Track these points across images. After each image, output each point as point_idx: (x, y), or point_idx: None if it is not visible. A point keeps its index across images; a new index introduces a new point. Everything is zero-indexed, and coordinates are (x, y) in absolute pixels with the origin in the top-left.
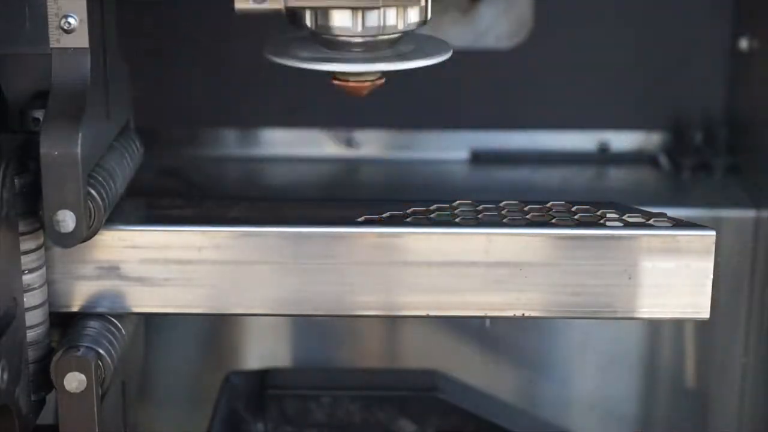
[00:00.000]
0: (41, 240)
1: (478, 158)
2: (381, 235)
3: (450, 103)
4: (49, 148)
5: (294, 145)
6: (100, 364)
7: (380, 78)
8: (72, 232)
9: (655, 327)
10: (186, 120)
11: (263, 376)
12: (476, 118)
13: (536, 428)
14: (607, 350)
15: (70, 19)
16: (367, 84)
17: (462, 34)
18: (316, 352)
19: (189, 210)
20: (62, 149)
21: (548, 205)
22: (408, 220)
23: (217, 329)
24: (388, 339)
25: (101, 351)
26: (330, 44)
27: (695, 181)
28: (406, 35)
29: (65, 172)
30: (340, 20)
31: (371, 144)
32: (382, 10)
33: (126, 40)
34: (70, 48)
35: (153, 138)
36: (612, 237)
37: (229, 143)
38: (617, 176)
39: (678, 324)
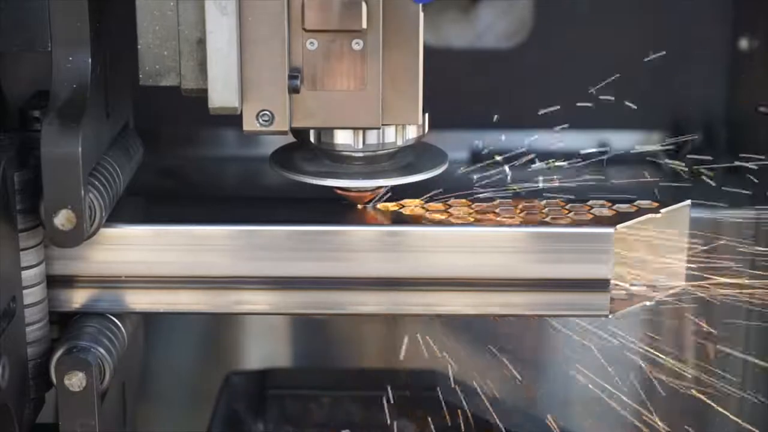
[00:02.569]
0: (40, 237)
1: (479, 158)
2: (382, 233)
3: (450, 103)
4: (50, 148)
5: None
6: (101, 363)
7: (380, 188)
8: (72, 232)
9: (655, 327)
10: (186, 120)
11: (263, 376)
12: (476, 118)
13: (536, 428)
14: (607, 350)
15: None
16: (367, 194)
17: (462, 34)
18: (316, 352)
19: (189, 209)
20: (62, 149)
21: (543, 203)
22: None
23: (217, 329)
24: (388, 339)
25: (101, 350)
26: (332, 158)
27: (695, 181)
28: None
29: (65, 171)
30: (343, 138)
31: None
32: (381, 128)
33: (126, 40)
34: (71, 48)
35: (153, 138)
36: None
37: (229, 143)
38: (617, 176)
39: (678, 324)
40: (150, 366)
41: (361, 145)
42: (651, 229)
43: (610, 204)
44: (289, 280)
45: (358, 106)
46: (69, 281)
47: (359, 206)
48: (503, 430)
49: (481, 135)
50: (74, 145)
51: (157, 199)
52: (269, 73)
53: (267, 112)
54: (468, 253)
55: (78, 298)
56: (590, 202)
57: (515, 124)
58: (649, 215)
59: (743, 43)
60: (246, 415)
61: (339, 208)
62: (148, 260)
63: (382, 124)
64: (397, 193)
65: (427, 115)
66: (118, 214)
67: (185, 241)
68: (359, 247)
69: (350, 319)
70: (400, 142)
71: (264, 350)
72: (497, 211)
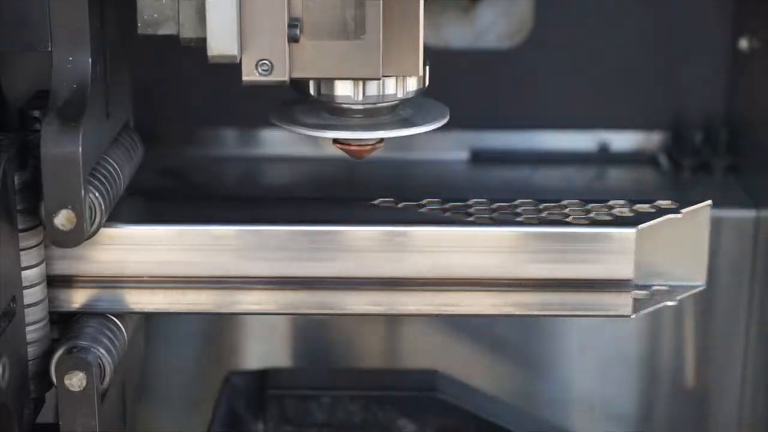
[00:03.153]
0: (40, 237)
1: (478, 158)
2: (382, 233)
3: (450, 103)
4: (50, 148)
5: (294, 145)
6: (101, 363)
7: (380, 141)
8: (72, 232)
9: (655, 327)
10: (186, 120)
11: (263, 376)
12: (476, 118)
13: (536, 428)
14: (607, 350)
15: None
16: (367, 148)
17: (462, 34)
18: (316, 352)
19: (189, 209)
20: (63, 149)
21: (564, 202)
22: (423, 210)
23: (217, 329)
24: (388, 339)
25: (102, 350)
26: (332, 110)
27: (695, 181)
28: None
29: (66, 171)
30: (342, 89)
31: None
32: (381, 79)
33: (126, 39)
34: (71, 48)
35: (153, 138)
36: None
37: (229, 143)
38: (617, 176)
39: (678, 324)
40: (150, 366)
41: (361, 98)
42: (671, 229)
43: (630, 204)
44: (289, 280)
45: (358, 57)
46: (69, 281)
47: (359, 159)
48: (503, 430)
49: (482, 135)
50: (74, 145)
51: (157, 199)
52: (269, 22)
53: (266, 62)
54: (489, 253)
55: (78, 298)
56: (611, 202)
57: (515, 124)
58: (670, 215)
59: (743, 43)
60: (246, 415)
61: (338, 208)
62: (148, 260)
63: (383, 75)
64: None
65: (427, 67)
66: (118, 214)
67: (185, 241)
68: (360, 246)
69: (350, 319)
70: (400, 95)
71: (264, 350)
72: (518, 211)
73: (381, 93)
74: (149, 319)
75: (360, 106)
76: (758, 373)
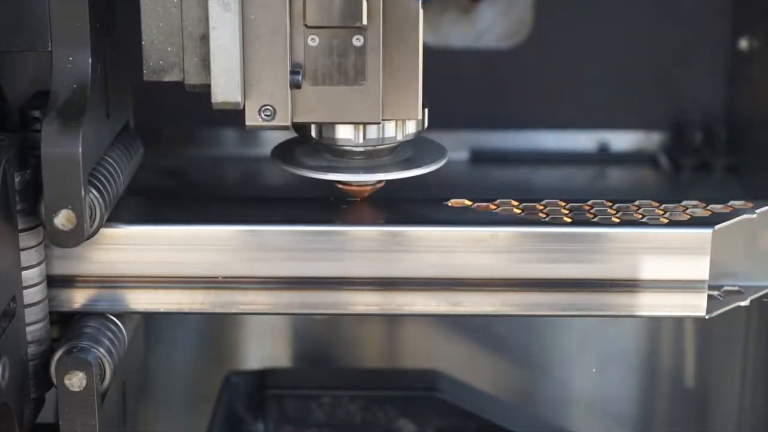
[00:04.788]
0: (41, 237)
1: (478, 158)
2: (383, 233)
3: (450, 103)
4: (50, 148)
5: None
6: (101, 362)
7: (379, 182)
8: (72, 232)
9: (655, 327)
10: (186, 120)
11: (263, 376)
12: (476, 118)
13: (536, 428)
14: (607, 350)
15: None
16: (368, 188)
17: (462, 34)
18: (316, 352)
19: (189, 209)
20: (63, 149)
21: (589, 203)
22: (496, 211)
23: (217, 329)
24: (388, 339)
25: (102, 350)
26: (333, 152)
27: (695, 181)
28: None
29: (66, 171)
30: (343, 133)
31: None
32: (381, 123)
33: (126, 39)
34: (71, 48)
35: (153, 138)
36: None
37: (229, 143)
38: (617, 176)
39: (678, 324)
40: (150, 366)
41: (361, 140)
42: (745, 229)
43: (704, 204)
44: (289, 280)
45: (358, 102)
46: (69, 281)
47: (359, 199)
48: (503, 430)
49: (482, 135)
50: (74, 145)
51: (157, 199)
52: (271, 69)
53: (269, 107)
54: (565, 252)
55: (78, 298)
56: (684, 203)
57: (515, 125)
58: (745, 216)
59: (743, 43)
60: (246, 415)
61: (339, 208)
62: (148, 260)
63: (383, 120)
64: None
65: (426, 110)
66: (118, 214)
67: (185, 241)
68: (360, 246)
69: (350, 319)
70: (399, 137)
71: (264, 350)
72: (546, 211)
73: (381, 136)
74: (149, 319)
75: (361, 149)
76: (758, 373)
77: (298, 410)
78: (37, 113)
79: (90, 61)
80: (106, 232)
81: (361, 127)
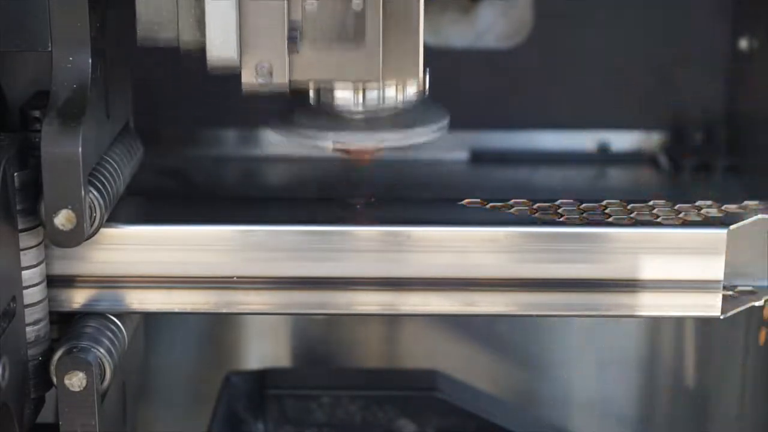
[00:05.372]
0: (41, 237)
1: (478, 158)
2: (383, 233)
3: (450, 103)
4: (50, 148)
5: (294, 145)
6: (101, 362)
7: (380, 148)
8: (72, 231)
9: (655, 327)
10: (186, 120)
11: (263, 376)
12: (476, 118)
13: (536, 428)
14: (608, 350)
15: None
16: (367, 153)
17: (462, 34)
18: (316, 352)
19: (189, 209)
20: (63, 149)
21: (604, 203)
22: (510, 211)
23: (217, 329)
24: (388, 339)
25: (102, 350)
26: (332, 117)
27: (695, 181)
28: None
29: (66, 172)
30: (342, 95)
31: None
32: (381, 87)
33: (126, 39)
34: (71, 48)
35: (153, 138)
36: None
37: (229, 143)
38: (617, 176)
39: (678, 324)
40: (150, 366)
41: (360, 103)
42: (759, 229)
43: (718, 204)
44: (289, 280)
45: (357, 61)
46: (69, 281)
47: (360, 164)
48: (503, 430)
49: (482, 135)
50: (74, 145)
51: (157, 199)
52: (268, 28)
53: (266, 65)
54: (579, 253)
55: (78, 298)
56: (698, 203)
57: (515, 125)
58: (760, 216)
59: (743, 43)
60: (246, 415)
61: (340, 209)
62: (148, 260)
63: (383, 80)
64: None
65: (427, 72)
66: (118, 214)
67: (185, 242)
68: (361, 246)
69: (350, 319)
70: (400, 100)
71: (264, 350)
72: (560, 211)
73: (381, 99)
74: (149, 319)
75: (360, 112)
76: (758, 373)
77: (298, 410)
78: (37, 113)
79: (90, 61)
80: (106, 232)
81: (360, 90)
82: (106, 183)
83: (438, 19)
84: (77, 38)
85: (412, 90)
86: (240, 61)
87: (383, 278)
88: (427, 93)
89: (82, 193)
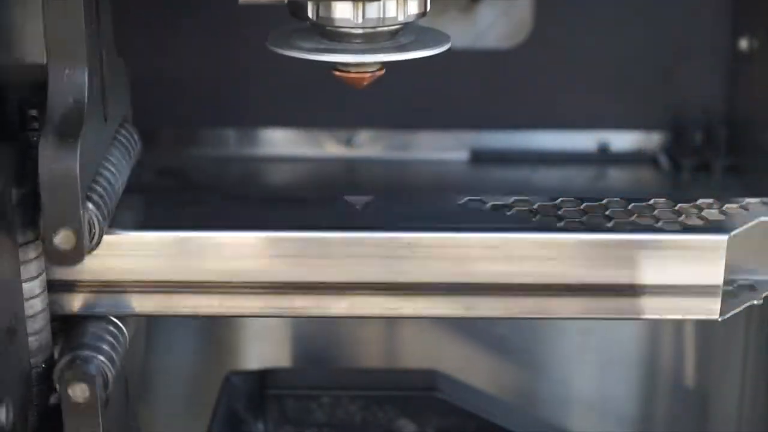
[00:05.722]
0: (40, 249)
1: (478, 158)
2: (383, 237)
3: (450, 103)
4: (48, 167)
5: (294, 145)
6: (104, 371)
7: (380, 69)
8: (72, 250)
9: (655, 327)
10: (186, 120)
11: (263, 376)
12: (476, 118)
13: (536, 428)
14: (607, 350)
15: None
16: (367, 75)
17: (462, 34)
18: (316, 352)
19: (189, 214)
20: (61, 168)
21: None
22: (510, 213)
23: (217, 329)
24: (388, 339)
25: (104, 358)
26: (331, 35)
27: (695, 181)
28: (407, 27)
29: (64, 191)
30: (341, 12)
31: (371, 144)
32: (382, 2)
33: (125, 40)
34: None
35: (153, 138)
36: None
37: (229, 143)
38: (617, 176)
39: (678, 324)
40: (150, 366)
41: (360, 20)
42: (761, 231)
43: (720, 204)
44: (288, 285)
45: None
46: (70, 286)
47: (359, 86)
48: (503, 430)
49: (482, 135)
50: (72, 165)
51: (157, 203)
52: None
53: None
54: (582, 259)
55: (79, 303)
56: (699, 202)
57: (515, 124)
58: (761, 219)
59: (743, 43)
60: (246, 415)
61: (340, 209)
62: (148, 260)
63: None
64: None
65: None
66: (119, 219)
67: (185, 243)
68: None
69: (350, 319)
70: (401, 17)
71: (264, 350)
72: (608, 213)
73: (381, 16)
74: (149, 319)
75: (360, 30)
76: (758, 373)
77: (298, 410)
78: (35, 112)
79: (86, 73)
80: (107, 238)
81: (360, 6)
82: (104, 195)
83: (438, 19)
84: (73, 51)
85: (413, 8)
86: None
87: (383, 283)
88: (428, 10)
89: (81, 212)
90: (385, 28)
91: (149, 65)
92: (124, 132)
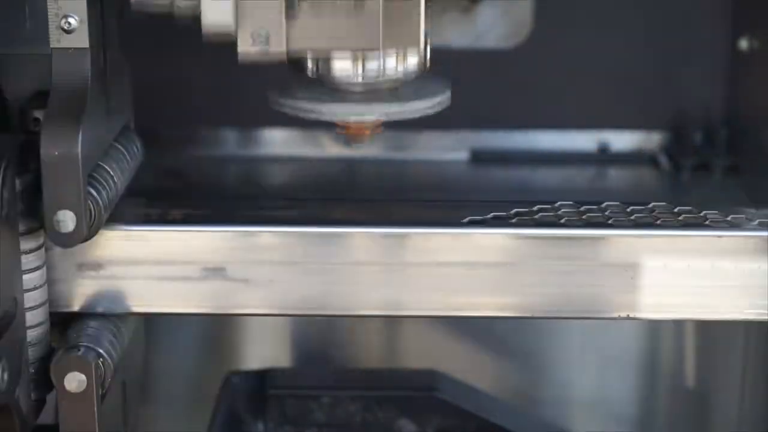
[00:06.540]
0: (41, 240)
1: (478, 158)
2: (385, 235)
3: (450, 103)
4: (50, 149)
5: (294, 145)
6: (101, 364)
7: (379, 125)
8: (72, 232)
9: (655, 327)
10: (186, 120)
11: (263, 376)
12: (476, 118)
13: (536, 428)
14: (607, 350)
15: (71, 20)
16: (367, 129)
17: (462, 34)
18: (316, 352)
19: (189, 209)
20: (62, 150)
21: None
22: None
23: (217, 329)
24: (388, 339)
25: (101, 351)
26: (332, 92)
27: (695, 181)
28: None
29: (65, 172)
30: (341, 66)
31: (371, 144)
32: (381, 57)
33: (127, 39)
34: (71, 48)
35: (153, 138)
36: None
37: (229, 143)
38: (617, 176)
39: (678, 324)
40: (150, 366)
41: (360, 75)
42: None
43: (723, 215)
44: (289, 279)
45: (357, 28)
46: (69, 282)
47: (361, 138)
48: (503, 430)
49: (482, 135)
50: (74, 145)
51: (157, 199)
52: None
53: (263, 32)
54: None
55: (78, 299)
56: (703, 213)
57: (515, 124)
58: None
59: (743, 43)
60: (246, 415)
61: (341, 209)
62: (148, 260)
63: (382, 47)
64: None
65: (428, 44)
66: (118, 214)
67: (185, 241)
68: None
69: (350, 319)
70: (400, 70)
71: (264, 350)
72: (560, 213)
73: (381, 69)
74: (149, 319)
75: (360, 86)
76: (758, 373)
77: (298, 410)
78: (37, 113)
79: (89, 61)
80: (107, 231)
81: (360, 62)
82: (105, 184)
83: (438, 19)
84: (76, 38)
85: (413, 61)
86: (236, 28)
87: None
88: (428, 66)
89: (82, 193)
90: (384, 82)
91: (149, 65)
92: (126, 137)
